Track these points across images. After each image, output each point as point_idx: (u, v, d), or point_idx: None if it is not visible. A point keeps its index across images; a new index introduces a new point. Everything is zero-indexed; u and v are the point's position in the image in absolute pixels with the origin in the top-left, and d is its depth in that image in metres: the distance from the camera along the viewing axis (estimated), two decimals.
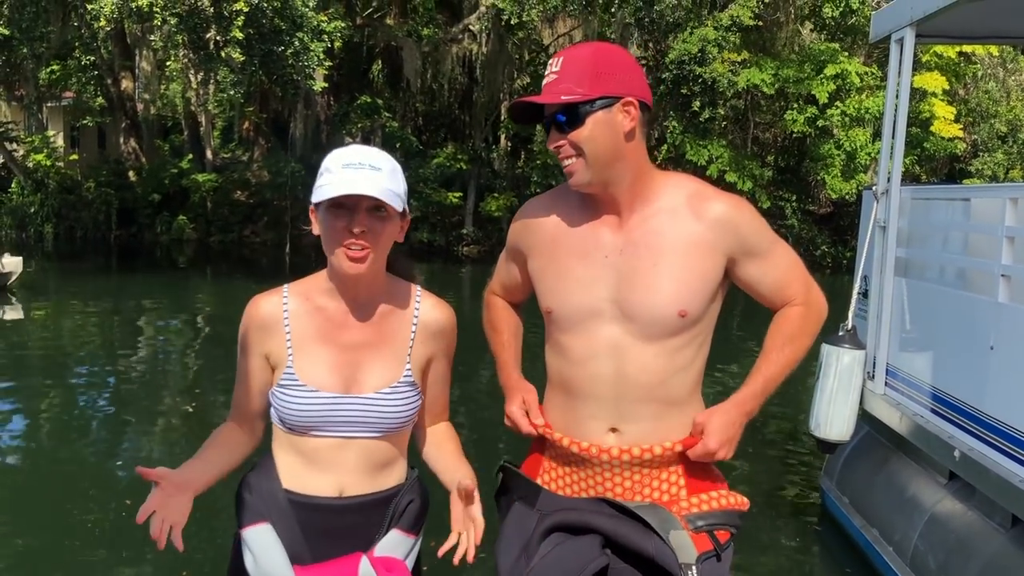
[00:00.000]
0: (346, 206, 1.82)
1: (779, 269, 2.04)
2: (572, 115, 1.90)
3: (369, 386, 1.91)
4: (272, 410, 1.94)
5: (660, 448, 1.99)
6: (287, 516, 1.89)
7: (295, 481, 1.92)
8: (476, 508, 1.85)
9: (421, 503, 2.01)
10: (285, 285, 1.99)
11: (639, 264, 1.95)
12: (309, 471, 1.91)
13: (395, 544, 1.95)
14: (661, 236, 1.96)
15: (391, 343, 1.96)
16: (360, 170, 1.82)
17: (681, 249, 1.94)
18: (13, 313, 12.83)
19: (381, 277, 1.96)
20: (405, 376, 1.94)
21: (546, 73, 1.94)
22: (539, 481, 2.12)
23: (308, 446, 1.91)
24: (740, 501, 2.07)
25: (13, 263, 13.98)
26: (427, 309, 2.01)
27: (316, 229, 1.90)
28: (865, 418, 5.04)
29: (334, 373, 1.90)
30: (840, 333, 4.80)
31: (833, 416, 4.69)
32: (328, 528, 1.90)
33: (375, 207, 1.83)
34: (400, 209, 1.88)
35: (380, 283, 1.96)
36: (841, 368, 4.68)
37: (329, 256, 1.87)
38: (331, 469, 1.90)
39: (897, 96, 4.91)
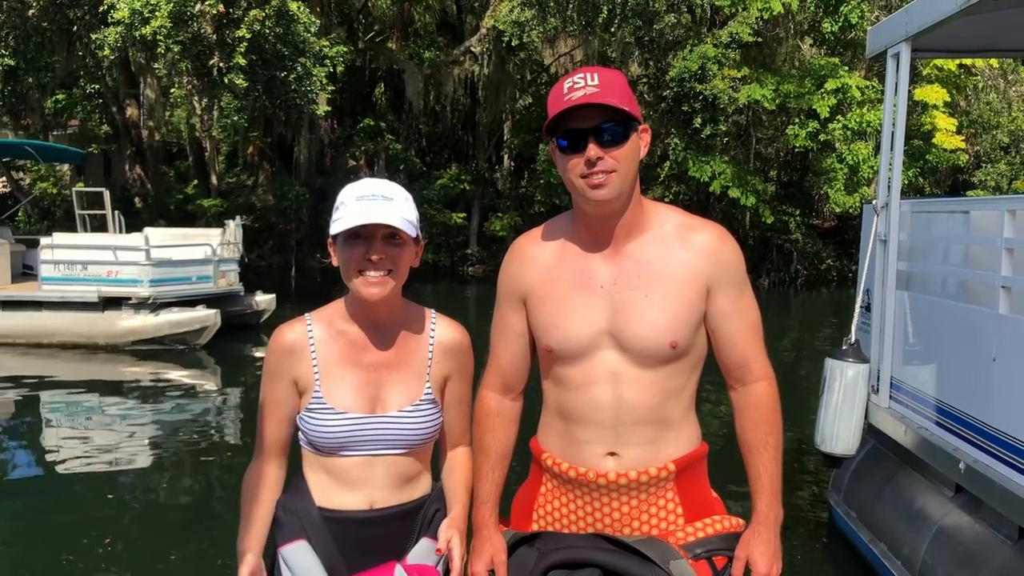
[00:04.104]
0: (363, 236, 1.93)
1: (744, 319, 2.02)
2: (622, 130, 1.91)
3: (393, 405, 2.02)
4: (300, 433, 2.04)
5: (655, 469, 2.01)
6: (322, 532, 1.98)
7: (327, 498, 2.01)
8: (454, 544, 2.01)
9: (446, 511, 2.10)
10: (307, 314, 2.09)
11: (631, 295, 1.98)
12: (340, 488, 2.01)
13: (426, 552, 2.03)
14: (652, 266, 1.99)
15: (411, 363, 2.06)
16: (373, 201, 1.93)
17: (671, 279, 1.97)
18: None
19: (399, 301, 2.06)
20: (426, 394, 2.05)
21: (576, 85, 1.90)
22: (535, 515, 2.15)
23: (337, 465, 2.01)
24: (736, 524, 2.08)
25: (266, 300, 14.02)
26: (442, 329, 2.12)
27: (336, 261, 2.00)
28: (870, 432, 5.03)
29: (359, 394, 2.00)
30: (844, 347, 4.81)
31: (838, 430, 4.69)
32: (361, 540, 1.99)
33: (390, 235, 1.94)
34: (414, 235, 1.98)
35: (398, 307, 2.07)
36: (845, 382, 4.69)
37: (349, 284, 1.97)
38: (360, 486, 2.00)
39: (895, 110, 4.94)
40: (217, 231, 13.96)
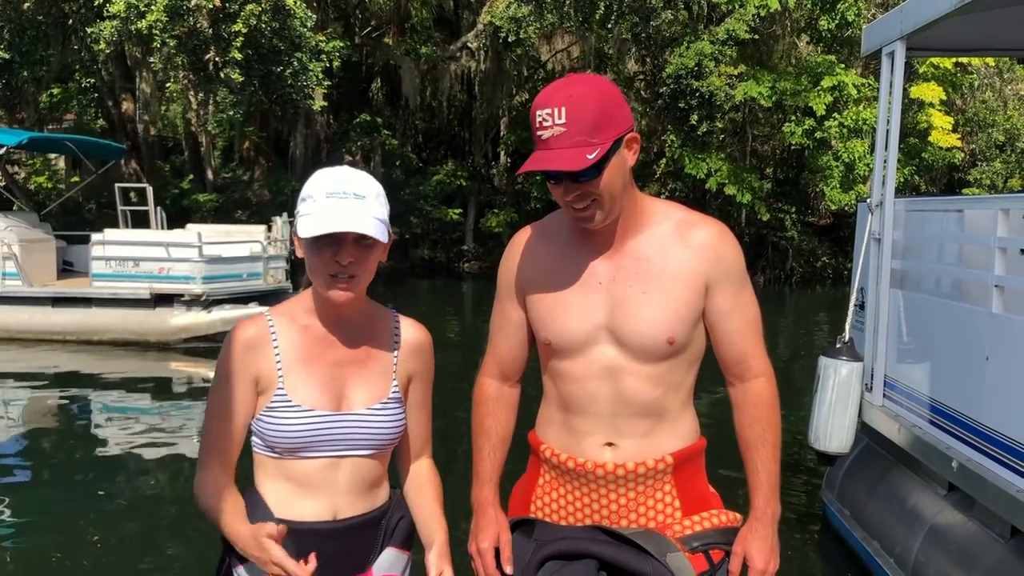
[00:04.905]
0: (332, 236, 1.82)
1: (744, 316, 2.03)
2: (593, 168, 1.85)
3: (359, 403, 1.92)
4: (256, 438, 1.92)
5: (652, 460, 2.02)
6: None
7: (287, 509, 1.88)
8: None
9: (410, 519, 2.03)
10: (264, 309, 2.01)
11: (630, 291, 1.98)
12: (301, 496, 1.89)
13: (392, 562, 1.96)
14: (650, 263, 1.99)
15: (377, 360, 1.97)
16: (345, 199, 1.81)
17: (669, 276, 1.98)
18: None
19: (363, 299, 1.97)
20: (393, 392, 1.97)
21: (544, 122, 1.85)
22: (532, 507, 2.15)
23: (298, 470, 1.89)
24: (733, 518, 2.10)
25: None
26: (407, 328, 2.04)
27: (300, 252, 1.91)
28: (864, 430, 5.04)
29: (324, 391, 1.90)
30: (838, 345, 4.82)
31: (832, 428, 4.70)
32: (325, 553, 1.86)
33: (360, 236, 1.83)
34: (385, 238, 1.88)
35: (362, 304, 1.98)
36: (839, 380, 4.70)
37: (315, 285, 1.89)
38: (323, 492, 1.90)
39: (889, 109, 4.94)
40: (260, 228, 13.84)
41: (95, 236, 12.48)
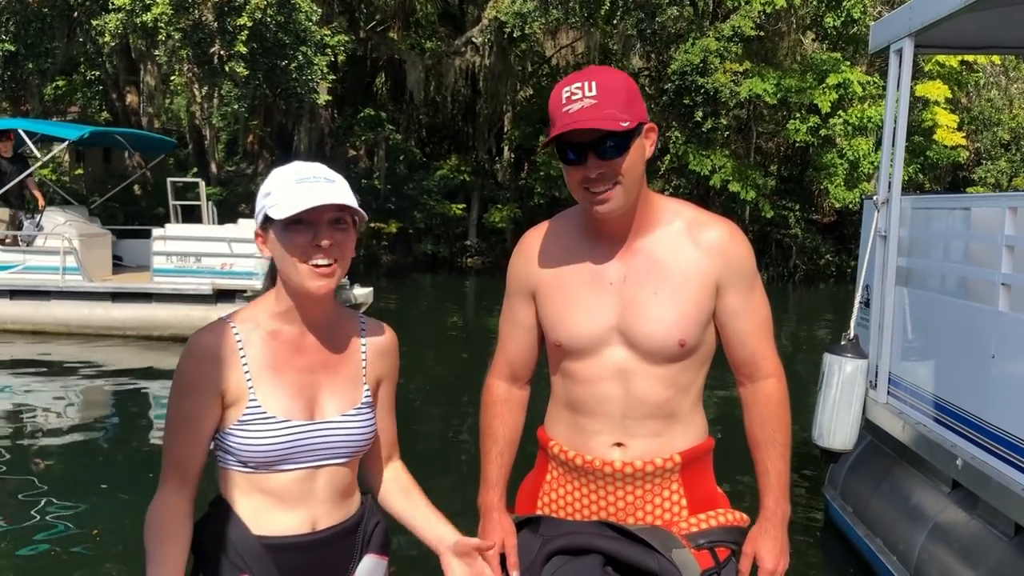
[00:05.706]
0: (306, 221, 1.74)
1: (755, 317, 2.03)
2: (621, 143, 1.84)
3: (332, 410, 1.85)
4: (224, 454, 1.82)
5: (661, 459, 2.02)
6: (264, 563, 1.78)
7: (265, 524, 1.80)
8: (483, 568, 1.87)
9: (385, 524, 1.98)
10: (225, 316, 1.90)
11: (641, 292, 1.97)
12: (279, 510, 1.81)
13: (372, 568, 1.92)
14: (661, 263, 1.98)
15: (347, 364, 1.91)
16: (316, 183, 1.76)
17: (681, 277, 1.97)
18: None
19: (333, 299, 1.90)
20: (365, 397, 1.91)
21: (573, 96, 1.84)
22: (540, 502, 2.16)
23: (274, 483, 1.80)
24: (740, 518, 2.11)
25: (364, 294, 13.35)
26: (372, 329, 1.98)
27: (267, 251, 1.83)
28: (868, 427, 5.04)
29: (297, 400, 1.82)
30: (842, 343, 4.81)
31: (836, 425, 4.70)
32: (306, 566, 1.83)
33: (334, 220, 1.77)
34: (356, 221, 1.82)
35: (332, 305, 1.90)
36: (843, 377, 4.70)
37: (290, 276, 1.79)
38: (301, 504, 1.83)
39: (897, 106, 4.94)
40: None
41: (156, 231, 12.35)
